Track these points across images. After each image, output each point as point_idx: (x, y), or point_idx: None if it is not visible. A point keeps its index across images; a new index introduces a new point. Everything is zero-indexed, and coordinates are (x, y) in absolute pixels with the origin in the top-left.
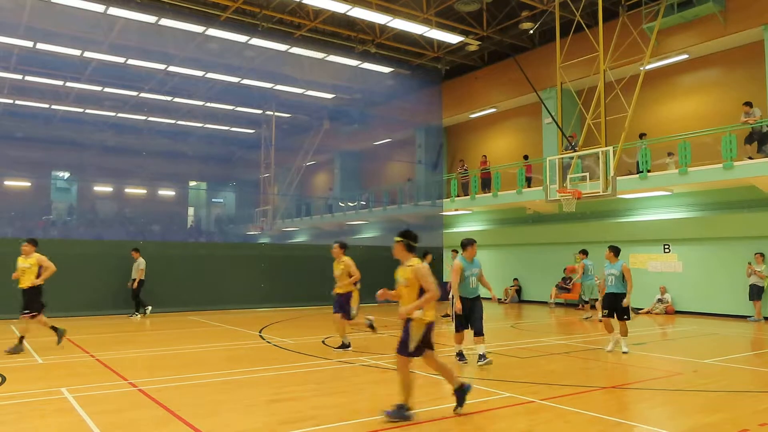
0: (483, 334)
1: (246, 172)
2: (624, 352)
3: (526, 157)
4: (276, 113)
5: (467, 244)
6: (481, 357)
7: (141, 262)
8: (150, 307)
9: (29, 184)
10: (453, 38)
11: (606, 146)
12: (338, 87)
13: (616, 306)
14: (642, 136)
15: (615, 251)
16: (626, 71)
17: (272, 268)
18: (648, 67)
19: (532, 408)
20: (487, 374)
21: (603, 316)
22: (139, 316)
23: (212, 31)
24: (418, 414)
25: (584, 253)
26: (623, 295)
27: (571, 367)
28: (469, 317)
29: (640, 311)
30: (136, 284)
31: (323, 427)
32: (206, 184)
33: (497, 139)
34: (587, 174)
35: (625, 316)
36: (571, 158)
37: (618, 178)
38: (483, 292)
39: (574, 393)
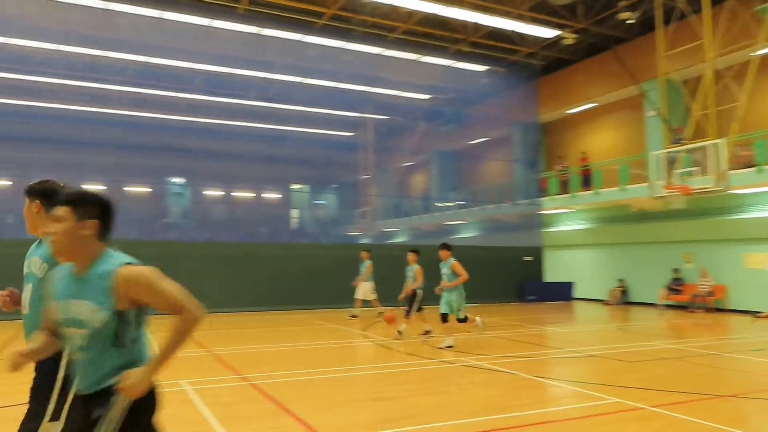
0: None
1: (346, 174)
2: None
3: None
4: (373, 116)
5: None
6: None
7: None
8: None
9: (150, 189)
10: (548, 32)
11: (716, 138)
12: (433, 87)
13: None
14: None
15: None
16: (737, 57)
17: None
18: (761, 52)
19: (642, 415)
20: (593, 378)
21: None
22: None
23: (309, 38)
24: (517, 417)
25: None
26: None
27: (684, 372)
28: None
29: (759, 314)
30: None
31: (426, 426)
32: (308, 186)
33: (597, 135)
34: (696, 169)
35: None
36: (678, 152)
37: (730, 171)
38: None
39: (687, 400)
